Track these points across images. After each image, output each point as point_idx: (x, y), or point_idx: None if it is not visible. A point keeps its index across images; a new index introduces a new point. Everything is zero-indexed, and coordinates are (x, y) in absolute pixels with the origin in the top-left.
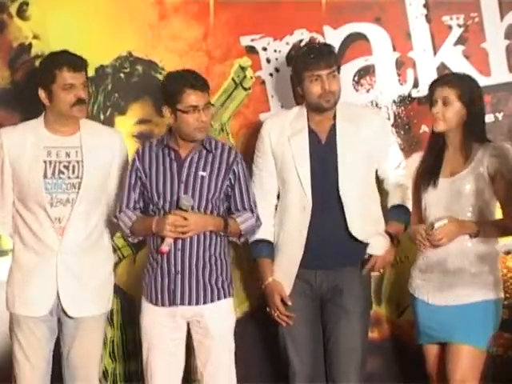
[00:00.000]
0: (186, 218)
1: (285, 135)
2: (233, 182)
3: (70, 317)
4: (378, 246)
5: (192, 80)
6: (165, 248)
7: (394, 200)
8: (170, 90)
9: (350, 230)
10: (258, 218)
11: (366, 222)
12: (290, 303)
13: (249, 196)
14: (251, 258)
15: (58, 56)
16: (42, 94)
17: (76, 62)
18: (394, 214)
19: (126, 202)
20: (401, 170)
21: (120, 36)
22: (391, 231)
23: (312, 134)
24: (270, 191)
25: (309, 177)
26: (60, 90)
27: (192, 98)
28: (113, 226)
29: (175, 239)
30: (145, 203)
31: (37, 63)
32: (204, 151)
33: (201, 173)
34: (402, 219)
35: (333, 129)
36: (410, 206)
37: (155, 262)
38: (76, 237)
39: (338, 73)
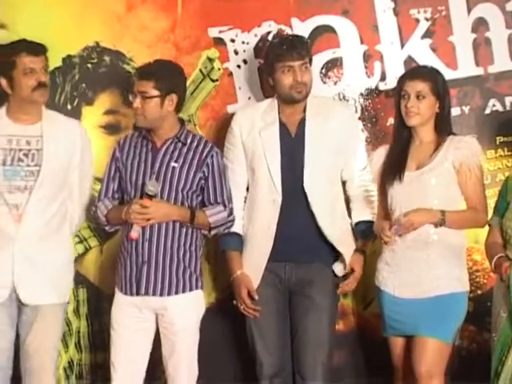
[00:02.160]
0: (145, 206)
1: (256, 128)
2: (206, 174)
3: (26, 305)
4: (358, 263)
5: (139, 69)
6: (133, 234)
7: (363, 214)
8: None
9: (321, 227)
10: (230, 213)
11: (333, 219)
12: (256, 297)
13: (222, 190)
14: (220, 249)
15: (16, 43)
16: (3, 82)
17: (35, 47)
18: (364, 231)
19: (105, 191)
20: (366, 173)
21: (88, 26)
22: (365, 249)
23: (283, 127)
24: (239, 184)
25: (279, 170)
26: (21, 76)
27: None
28: (82, 216)
29: (143, 228)
30: (123, 193)
31: None
32: (179, 143)
33: (173, 164)
34: (371, 237)
35: (302, 122)
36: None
37: (126, 252)
38: (33, 224)
39: (310, 65)
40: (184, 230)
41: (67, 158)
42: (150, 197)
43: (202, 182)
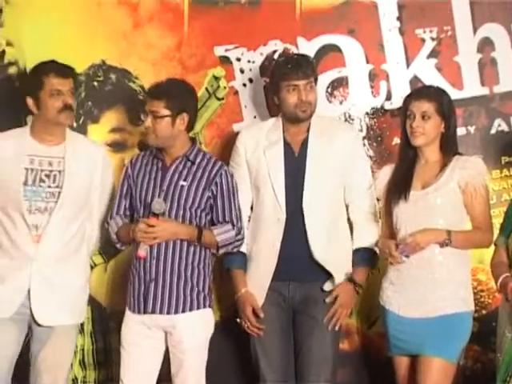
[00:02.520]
0: (152, 225)
1: (260, 147)
2: (215, 193)
3: (39, 324)
4: (343, 292)
5: (149, 90)
6: (141, 253)
7: (362, 241)
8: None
9: (311, 247)
10: (239, 232)
11: (329, 241)
12: (262, 315)
13: (231, 208)
14: (224, 268)
15: (46, 64)
16: (29, 101)
17: (63, 69)
18: (361, 258)
19: (117, 208)
20: (368, 197)
21: (94, 44)
22: (357, 279)
23: (287, 146)
24: (244, 202)
25: (283, 189)
26: (47, 97)
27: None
28: (100, 236)
29: (151, 246)
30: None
31: (10, 70)
32: (188, 162)
33: (181, 182)
34: (369, 264)
35: (306, 142)
36: (376, 248)
37: (134, 269)
38: (52, 245)
39: (315, 84)
40: (192, 248)
41: (88, 179)
42: (157, 215)
43: (211, 200)
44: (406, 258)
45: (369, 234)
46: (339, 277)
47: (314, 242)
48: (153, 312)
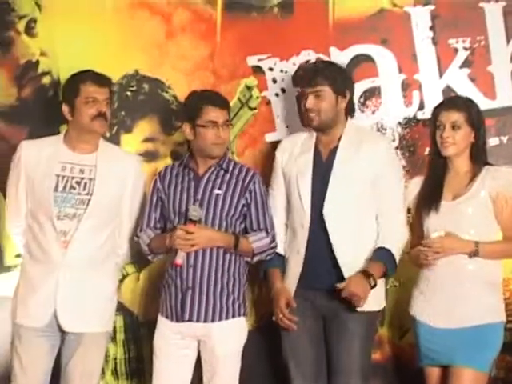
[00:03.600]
0: (190, 232)
1: (294, 155)
2: (249, 201)
3: (67, 332)
4: (357, 285)
5: (213, 97)
6: (178, 260)
7: (383, 243)
8: (192, 105)
9: (336, 256)
10: (273, 239)
11: (355, 250)
12: (295, 305)
13: (265, 216)
14: (261, 270)
15: (83, 72)
16: (65, 108)
17: (100, 78)
18: (378, 255)
19: (147, 221)
20: (397, 207)
21: (127, 54)
22: (369, 270)
23: (317, 154)
24: (279, 209)
25: (309, 195)
26: (83, 104)
27: (212, 114)
28: (129, 248)
29: (187, 254)
30: (165, 222)
31: (44, 80)
32: (221, 171)
33: (216, 191)
34: (385, 262)
35: (335, 150)
36: (397, 257)
37: (170, 278)
38: (80, 252)
39: (337, 92)
40: (228, 256)
41: (119, 190)
42: (194, 222)
43: (245, 208)
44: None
45: (391, 238)
46: None
47: (338, 249)
48: (189, 320)
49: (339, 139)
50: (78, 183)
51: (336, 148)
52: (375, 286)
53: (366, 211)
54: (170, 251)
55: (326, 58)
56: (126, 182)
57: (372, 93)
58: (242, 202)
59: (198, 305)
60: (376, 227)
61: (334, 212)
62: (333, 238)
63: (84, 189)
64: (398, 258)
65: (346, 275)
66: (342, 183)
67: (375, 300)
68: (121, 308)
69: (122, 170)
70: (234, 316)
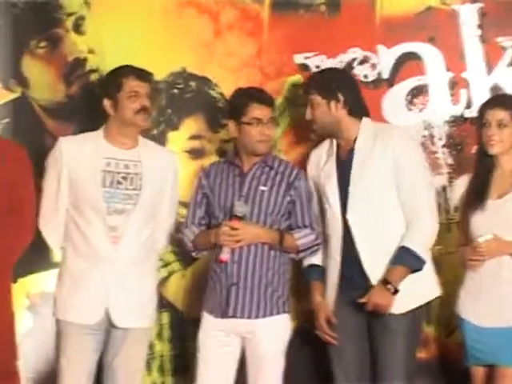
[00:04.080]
0: (235, 228)
1: (320, 165)
2: (294, 198)
3: (116, 327)
4: (380, 297)
5: (258, 95)
6: (223, 256)
7: (406, 241)
8: (237, 103)
9: (362, 262)
10: (318, 236)
11: (378, 252)
12: (334, 321)
13: (310, 213)
14: (304, 278)
15: (125, 67)
16: (106, 103)
17: (142, 73)
18: (399, 257)
19: (192, 217)
20: (422, 200)
21: (174, 52)
22: (389, 278)
23: (339, 159)
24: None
25: (337, 200)
26: (125, 99)
27: (257, 111)
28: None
29: (232, 250)
30: (209, 219)
31: (92, 77)
32: (266, 167)
33: (261, 187)
34: (408, 265)
35: (352, 152)
36: (420, 248)
37: (215, 274)
38: (129, 247)
39: (327, 97)
40: (272, 252)
41: (160, 185)
42: (239, 218)
43: (290, 205)
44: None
45: (414, 231)
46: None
47: (364, 254)
48: (233, 316)
49: (355, 141)
50: (125, 178)
51: (353, 150)
52: (397, 291)
53: (393, 209)
54: (214, 248)
55: (373, 56)
56: (166, 177)
57: (419, 91)
58: (287, 198)
59: (242, 301)
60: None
61: (357, 215)
62: (358, 243)
63: (131, 184)
64: (423, 249)
65: (373, 281)
66: (361, 184)
67: (417, 295)
68: (167, 305)
69: (163, 164)
70: (278, 313)
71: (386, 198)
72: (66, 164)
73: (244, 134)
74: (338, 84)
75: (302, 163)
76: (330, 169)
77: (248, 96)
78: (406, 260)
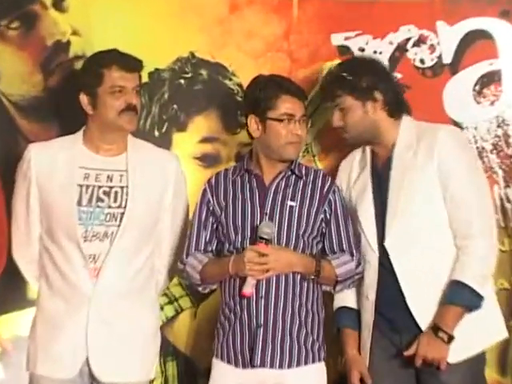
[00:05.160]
0: (264, 254)
1: (352, 179)
2: (328, 215)
3: (99, 382)
4: (428, 348)
5: (288, 85)
6: (247, 290)
7: (460, 273)
8: (262, 94)
9: (407, 301)
10: (359, 263)
11: (425, 285)
12: (370, 382)
13: (348, 234)
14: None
15: (107, 54)
16: (84, 99)
17: (129, 61)
18: (453, 294)
19: (195, 243)
20: (478, 219)
21: (180, 33)
22: (441, 323)
23: (375, 171)
24: None
25: (372, 224)
26: (107, 94)
27: (288, 105)
28: (169, 271)
29: (257, 281)
30: (219, 243)
31: (77, 65)
32: (293, 176)
33: (289, 202)
34: (464, 304)
35: (389, 161)
36: (479, 286)
37: (232, 313)
38: (114, 281)
39: (361, 98)
40: (306, 284)
41: (157, 199)
42: (266, 241)
43: (323, 224)
44: None
45: (468, 260)
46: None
47: (408, 291)
48: (261, 366)
49: (393, 146)
50: (107, 194)
51: (391, 158)
52: (451, 339)
53: (443, 231)
54: (228, 280)
55: (431, 35)
56: (165, 188)
57: (490, 79)
58: (321, 216)
59: (272, 347)
60: None
61: (398, 242)
62: (400, 277)
63: (115, 200)
64: (479, 280)
65: (421, 325)
66: (402, 201)
67: (477, 338)
68: (174, 352)
69: (159, 173)
70: (313, 361)
71: (435, 218)
72: (35, 179)
73: (270, 134)
74: (373, 79)
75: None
76: (364, 184)
77: (277, 85)
78: (459, 298)
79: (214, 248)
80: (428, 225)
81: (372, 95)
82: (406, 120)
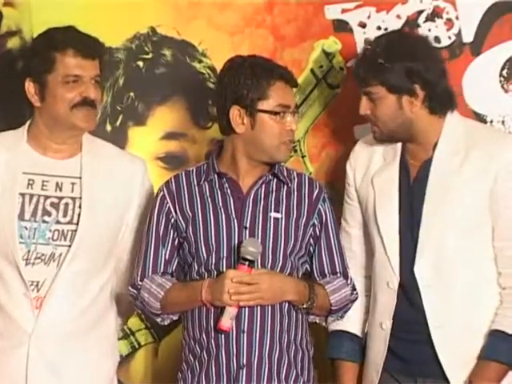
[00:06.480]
0: (250, 282)
1: (371, 169)
2: (318, 230)
3: None
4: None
5: (279, 68)
6: (225, 323)
7: (504, 322)
8: (247, 81)
9: (434, 342)
10: (353, 288)
11: (468, 329)
12: None
13: (341, 252)
14: (326, 354)
15: (61, 33)
16: (29, 88)
17: (88, 45)
18: (494, 347)
19: (153, 262)
20: None
21: (138, 5)
22: (477, 380)
23: (404, 169)
24: (357, 254)
25: (396, 238)
26: (59, 84)
27: (281, 93)
28: (126, 301)
29: (238, 311)
30: (183, 265)
31: (9, 44)
32: (274, 181)
33: (273, 214)
34: (507, 361)
35: (428, 163)
36: None
37: (204, 352)
38: (62, 314)
39: (397, 91)
40: (294, 314)
41: (118, 215)
42: (250, 263)
43: (311, 241)
44: None
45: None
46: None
47: (437, 330)
48: None
49: (435, 147)
50: (55, 206)
51: (430, 160)
52: None
53: (490, 262)
54: (196, 310)
55: (448, 7)
56: (129, 202)
57: None
58: (310, 230)
59: None
60: None
61: (431, 269)
62: (430, 315)
63: (64, 215)
64: None
65: (450, 379)
66: (441, 217)
67: None
68: None
69: (121, 181)
70: None
71: (481, 245)
72: None
73: (260, 130)
74: (417, 69)
75: (339, 175)
76: (389, 183)
77: (268, 69)
78: (500, 352)
79: (173, 269)
80: (470, 252)
81: (411, 89)
82: (451, 117)
